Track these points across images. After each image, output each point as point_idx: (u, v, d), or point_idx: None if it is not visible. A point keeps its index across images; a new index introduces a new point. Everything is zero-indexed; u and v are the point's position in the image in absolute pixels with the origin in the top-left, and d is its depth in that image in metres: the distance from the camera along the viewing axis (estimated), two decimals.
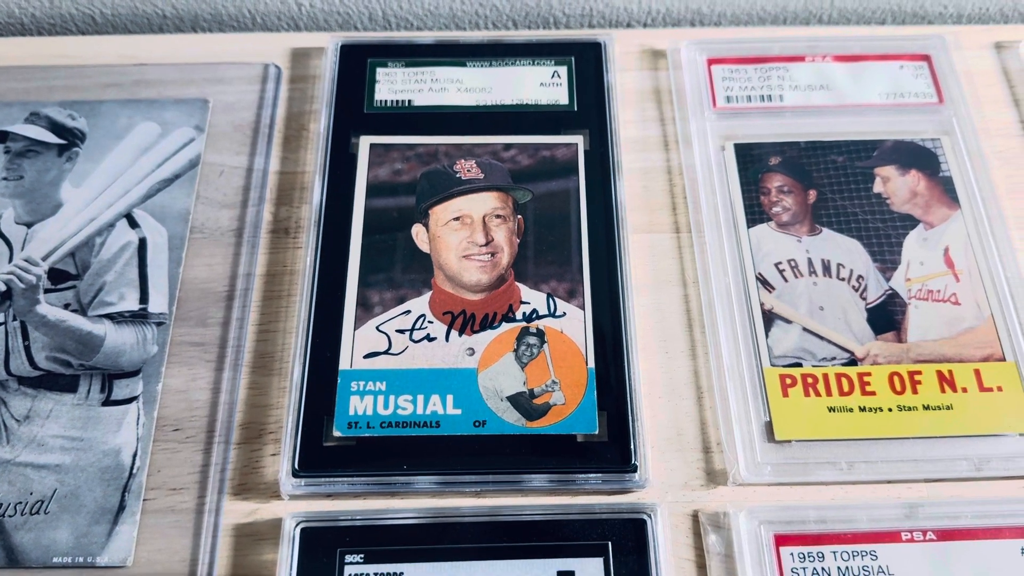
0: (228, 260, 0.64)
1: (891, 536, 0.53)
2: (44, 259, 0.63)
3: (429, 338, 0.59)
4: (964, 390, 0.58)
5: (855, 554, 0.53)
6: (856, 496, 0.56)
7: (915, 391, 0.58)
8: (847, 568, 0.52)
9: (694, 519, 0.55)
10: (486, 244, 0.62)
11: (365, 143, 0.67)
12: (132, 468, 0.57)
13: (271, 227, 0.65)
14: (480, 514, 0.54)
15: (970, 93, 0.69)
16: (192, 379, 0.59)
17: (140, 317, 0.61)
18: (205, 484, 0.56)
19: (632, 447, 0.55)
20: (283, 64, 0.72)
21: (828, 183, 0.65)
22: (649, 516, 0.53)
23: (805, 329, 0.60)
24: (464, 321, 0.60)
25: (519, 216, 0.63)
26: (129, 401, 0.59)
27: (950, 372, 0.58)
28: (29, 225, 0.65)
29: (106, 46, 0.75)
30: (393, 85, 0.69)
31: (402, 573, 0.52)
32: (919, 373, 0.58)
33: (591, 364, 0.58)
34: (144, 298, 0.62)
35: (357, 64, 0.70)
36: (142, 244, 0.64)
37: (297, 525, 0.53)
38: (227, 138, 0.69)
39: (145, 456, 0.57)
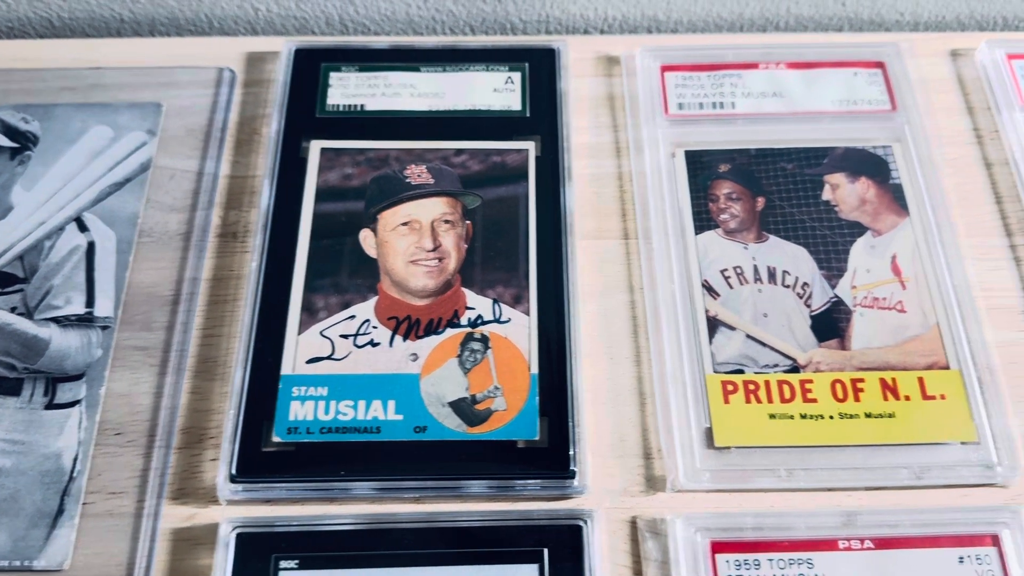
0: (175, 264, 0.63)
1: (828, 544, 0.53)
2: None
3: (373, 343, 0.59)
4: (907, 398, 0.58)
5: (791, 562, 0.53)
6: (795, 503, 0.55)
7: (857, 399, 0.58)
8: (783, 575, 0.52)
9: (632, 525, 0.55)
10: (434, 249, 0.62)
11: (316, 147, 0.67)
12: (72, 472, 0.56)
13: (219, 231, 0.65)
14: (417, 520, 0.54)
15: (924, 100, 0.69)
16: (135, 383, 0.59)
17: (86, 321, 0.61)
18: (145, 488, 0.56)
19: (571, 453, 0.55)
20: (238, 68, 0.72)
21: (777, 190, 0.65)
22: (585, 522, 0.53)
23: (748, 336, 0.60)
24: (409, 326, 0.60)
25: (468, 221, 0.63)
26: (72, 405, 0.59)
27: (893, 380, 0.58)
28: None
29: (63, 50, 0.75)
30: (346, 90, 0.69)
31: None
32: (862, 381, 0.58)
33: (534, 370, 0.58)
34: (90, 302, 0.62)
35: (311, 68, 0.70)
36: (90, 248, 0.64)
37: (233, 530, 0.53)
38: (179, 142, 0.69)
39: (86, 460, 0.57)
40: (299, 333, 0.59)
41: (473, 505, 0.55)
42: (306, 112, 0.68)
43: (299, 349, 0.59)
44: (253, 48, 0.73)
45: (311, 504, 0.55)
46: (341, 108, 0.69)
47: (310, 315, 0.60)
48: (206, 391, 0.59)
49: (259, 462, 0.55)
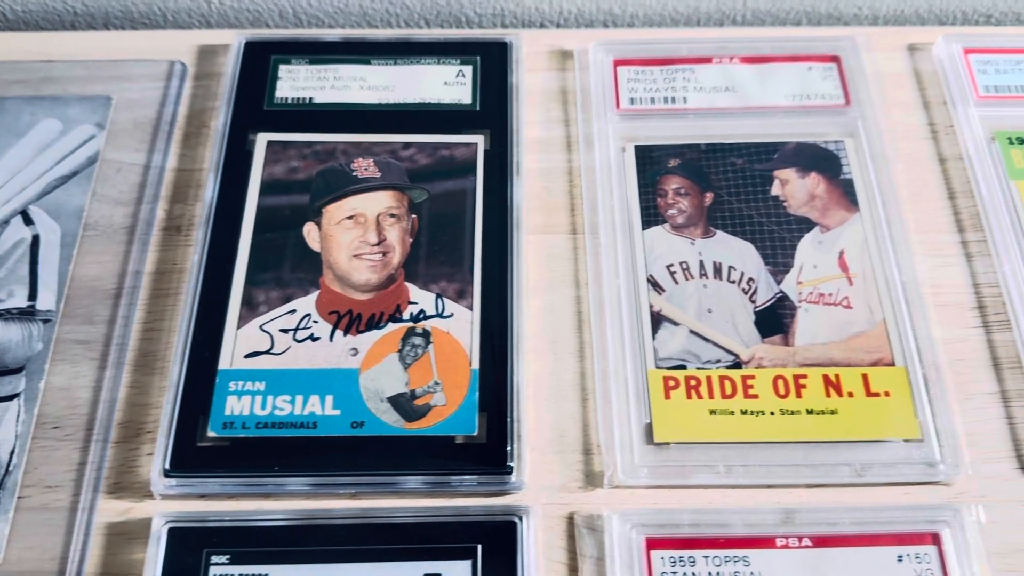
0: (119, 258, 0.63)
1: (766, 542, 0.53)
2: None
3: (313, 338, 0.59)
4: (850, 395, 0.57)
5: (727, 559, 0.52)
6: (735, 500, 0.55)
7: (799, 395, 0.57)
8: (718, 573, 0.52)
9: (570, 522, 0.54)
10: (378, 243, 0.62)
11: (262, 140, 0.66)
12: (9, 465, 0.56)
13: (164, 224, 0.65)
14: (351, 516, 0.54)
15: (879, 95, 0.69)
16: (75, 377, 0.59)
17: (28, 314, 0.61)
18: (81, 483, 0.56)
19: (509, 449, 0.55)
20: (190, 61, 0.72)
21: (726, 185, 0.65)
22: (520, 519, 0.53)
23: (692, 332, 0.59)
24: (350, 321, 0.59)
25: (414, 215, 0.63)
26: (10, 398, 0.58)
27: (837, 376, 0.58)
28: None
29: (16, 43, 0.74)
30: (295, 82, 0.69)
31: (267, 575, 0.51)
32: (804, 377, 0.58)
33: (475, 365, 0.58)
34: (33, 295, 0.62)
35: (261, 61, 0.70)
36: (35, 241, 0.64)
37: (164, 525, 0.53)
38: (127, 135, 0.68)
39: (23, 453, 0.56)
40: (238, 327, 0.59)
41: (409, 501, 0.55)
42: (254, 105, 0.68)
43: (238, 343, 0.58)
44: (205, 41, 0.73)
45: (246, 499, 0.55)
46: (289, 101, 0.68)
47: (250, 309, 0.60)
48: (145, 385, 0.59)
49: (194, 457, 0.55)
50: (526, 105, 0.69)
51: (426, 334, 0.59)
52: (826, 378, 0.58)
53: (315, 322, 0.59)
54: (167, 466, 0.54)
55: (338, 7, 0.74)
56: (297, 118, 0.67)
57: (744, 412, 0.57)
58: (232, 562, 0.52)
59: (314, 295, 0.60)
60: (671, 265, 0.62)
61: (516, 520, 0.53)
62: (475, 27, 0.77)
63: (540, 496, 0.55)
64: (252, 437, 0.55)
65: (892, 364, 0.58)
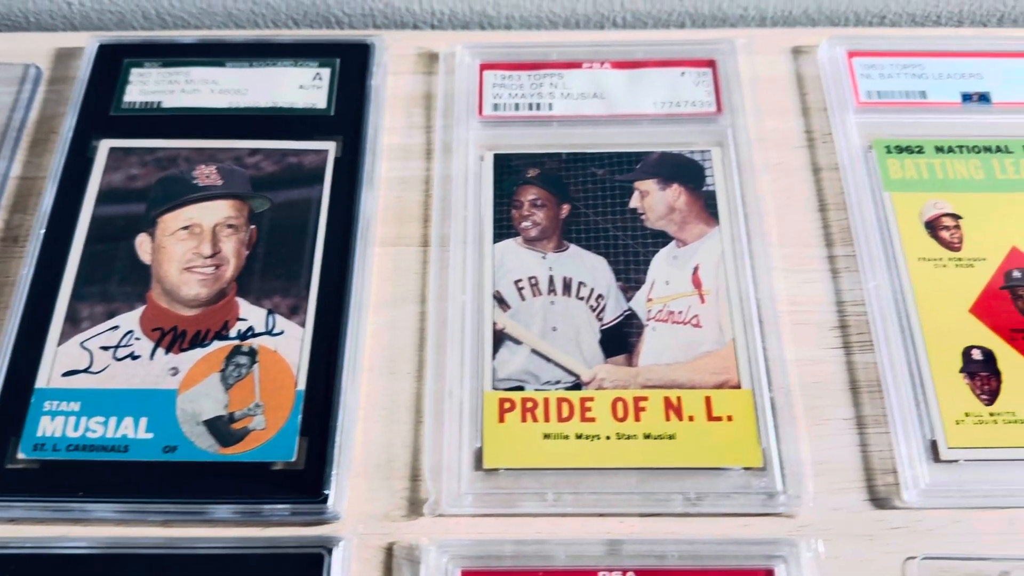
0: None
1: (588, 575, 0.50)
2: None
3: (133, 356, 0.56)
4: (691, 419, 0.54)
5: None
6: (564, 530, 0.52)
7: (638, 418, 0.54)
8: None
9: (389, 553, 0.52)
10: (212, 256, 0.59)
11: (105, 147, 0.64)
12: None
13: (2, 235, 0.62)
14: (157, 546, 0.51)
15: (755, 101, 0.66)
16: None
17: None
18: None
19: (326, 476, 0.52)
20: (47, 65, 0.69)
21: (584, 197, 0.62)
22: (328, 551, 0.50)
23: (534, 351, 0.57)
24: (173, 338, 0.57)
25: (253, 226, 0.60)
26: None
27: (678, 399, 0.55)
28: None
29: None
30: (145, 86, 0.66)
31: None
32: (645, 399, 0.55)
33: (301, 386, 0.55)
34: None
35: (113, 64, 0.67)
36: None
37: None
38: None
39: None
40: (59, 344, 0.56)
41: (222, 531, 0.52)
42: (101, 110, 0.65)
43: (57, 361, 0.56)
44: (63, 44, 0.70)
45: (54, 525, 0.53)
46: (137, 105, 0.66)
47: (73, 325, 0.57)
48: None
49: (1, 480, 0.53)
50: (388, 110, 0.67)
51: (252, 353, 0.56)
52: (667, 401, 0.55)
53: (137, 339, 0.57)
54: None
55: (202, 8, 0.71)
56: (143, 123, 0.65)
57: (580, 436, 0.54)
58: None
59: (139, 310, 0.57)
60: (520, 280, 0.59)
61: (324, 552, 0.50)
62: (345, 27, 0.74)
63: (359, 526, 0.52)
64: (62, 460, 0.53)
65: (738, 386, 0.55)
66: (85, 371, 0.56)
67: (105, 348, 0.56)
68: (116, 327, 0.57)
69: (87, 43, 0.68)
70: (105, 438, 0.54)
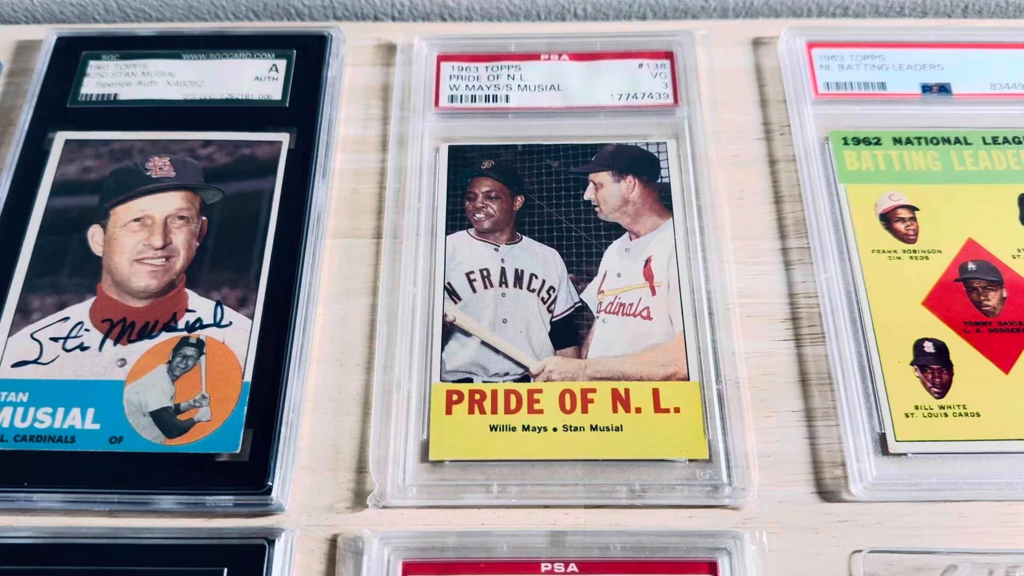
0: None
1: (530, 567, 0.50)
2: None
3: (82, 347, 0.56)
4: (638, 411, 0.54)
5: None
6: (508, 521, 0.52)
7: (585, 410, 0.54)
8: None
9: (333, 544, 0.52)
10: (163, 247, 0.59)
11: (60, 139, 0.64)
12: None
13: None
14: (102, 536, 0.51)
15: (713, 93, 0.66)
16: None
17: None
18: None
19: (270, 468, 0.52)
20: (8, 58, 0.69)
21: (538, 189, 0.62)
22: (270, 542, 0.50)
23: (483, 343, 0.57)
24: (122, 330, 0.57)
25: (204, 217, 0.60)
26: None
27: (626, 391, 0.55)
28: None
29: None
30: (102, 79, 0.66)
31: None
32: (593, 391, 0.55)
33: (247, 378, 0.55)
34: None
35: (71, 57, 0.67)
36: None
37: None
38: None
39: None
40: (9, 335, 0.56)
41: (168, 521, 0.52)
42: (58, 102, 0.65)
43: (7, 352, 0.56)
44: (24, 37, 0.70)
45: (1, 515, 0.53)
46: (94, 98, 0.65)
47: (24, 316, 0.57)
48: None
49: None
50: (345, 101, 0.67)
51: (200, 344, 0.56)
52: (615, 392, 0.55)
53: (87, 330, 0.57)
54: None
55: (162, 0, 0.71)
56: (99, 115, 0.65)
57: (527, 428, 0.54)
58: None
59: (90, 302, 0.57)
60: (471, 272, 0.59)
61: (265, 543, 0.50)
62: (306, 19, 0.73)
63: (303, 517, 0.52)
64: (9, 450, 0.53)
65: (686, 378, 0.55)
66: (34, 362, 0.56)
67: (55, 339, 0.56)
68: (67, 318, 0.57)
69: (45, 36, 0.68)
70: (53, 428, 0.54)
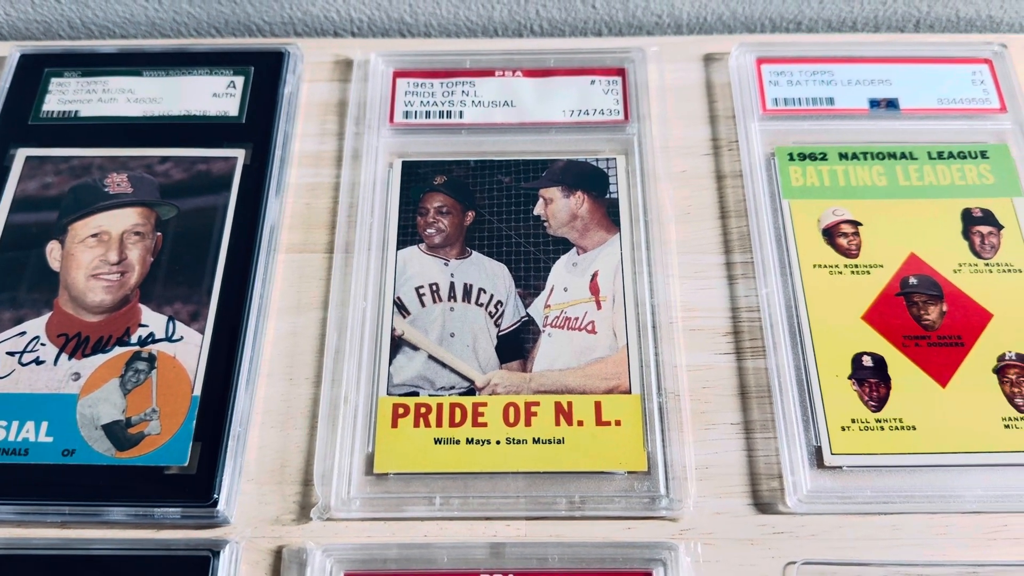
0: None
1: None
2: None
3: (38, 361, 0.57)
4: (580, 423, 0.55)
5: None
6: (451, 533, 0.53)
7: (528, 423, 0.55)
8: None
9: (277, 556, 0.53)
10: (118, 263, 0.60)
11: (21, 155, 0.65)
12: None
13: None
14: (54, 548, 0.52)
15: (663, 109, 0.67)
16: None
17: None
18: None
19: (216, 481, 0.53)
20: None
21: (489, 204, 0.63)
22: (215, 554, 0.51)
23: (431, 357, 0.58)
24: (77, 344, 0.58)
25: (159, 233, 0.62)
26: None
27: (569, 404, 0.56)
28: None
29: None
30: (64, 95, 0.67)
31: None
32: (537, 405, 0.56)
33: (197, 392, 0.56)
34: None
35: (34, 74, 0.68)
36: None
37: None
38: None
39: None
40: None
41: (119, 533, 0.53)
42: (20, 119, 0.66)
43: None
44: None
45: None
46: (55, 115, 0.67)
47: None
48: None
49: None
50: (302, 117, 0.68)
51: (151, 359, 0.57)
52: (558, 406, 0.56)
53: (43, 345, 0.58)
54: None
55: (125, 17, 0.72)
56: (60, 132, 0.66)
57: (470, 441, 0.55)
58: None
59: (46, 317, 0.59)
60: (421, 287, 0.60)
61: (210, 555, 0.51)
62: (267, 36, 0.75)
63: (248, 529, 0.54)
64: None
65: (628, 391, 0.56)
66: None
67: (11, 353, 0.58)
68: (23, 333, 0.58)
69: (9, 52, 0.69)
70: (7, 441, 0.55)
